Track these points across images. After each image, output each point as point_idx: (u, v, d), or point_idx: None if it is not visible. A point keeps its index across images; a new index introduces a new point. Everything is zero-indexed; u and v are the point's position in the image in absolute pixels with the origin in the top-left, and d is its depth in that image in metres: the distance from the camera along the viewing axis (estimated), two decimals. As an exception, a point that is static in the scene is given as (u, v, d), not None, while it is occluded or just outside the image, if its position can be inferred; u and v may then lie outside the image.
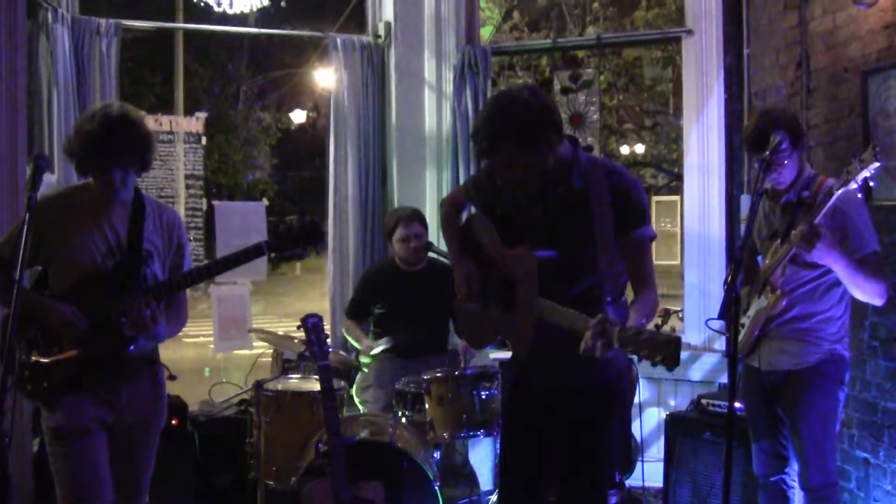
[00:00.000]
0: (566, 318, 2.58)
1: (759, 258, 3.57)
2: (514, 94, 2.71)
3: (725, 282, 2.85)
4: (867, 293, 3.28)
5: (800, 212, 3.24)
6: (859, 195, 3.19)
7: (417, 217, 4.78)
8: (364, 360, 4.73)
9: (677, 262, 21.83)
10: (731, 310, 2.84)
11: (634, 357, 3.01)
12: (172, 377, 3.55)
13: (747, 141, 3.48)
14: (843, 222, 3.25)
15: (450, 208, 3.24)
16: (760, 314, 3.39)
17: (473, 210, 3.24)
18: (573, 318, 2.55)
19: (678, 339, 2.25)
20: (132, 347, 2.98)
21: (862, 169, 3.03)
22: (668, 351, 2.23)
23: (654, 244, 2.80)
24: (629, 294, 2.77)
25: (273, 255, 3.07)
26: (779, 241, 3.35)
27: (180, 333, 3.32)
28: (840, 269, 3.21)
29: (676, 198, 23.45)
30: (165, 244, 3.14)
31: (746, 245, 3.39)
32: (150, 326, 2.92)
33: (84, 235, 2.99)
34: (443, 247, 5.19)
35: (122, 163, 2.96)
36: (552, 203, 2.81)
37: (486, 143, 2.72)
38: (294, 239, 3.01)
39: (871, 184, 3.12)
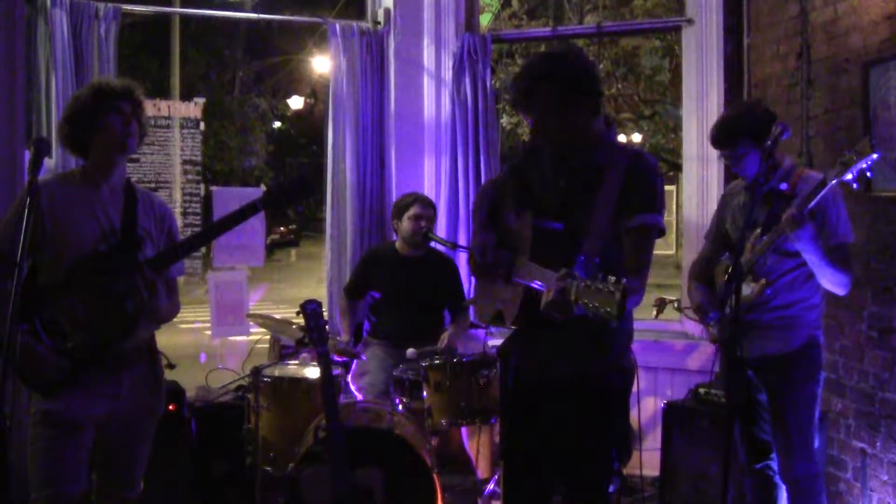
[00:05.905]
0: (536, 273, 2.60)
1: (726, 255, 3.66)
2: (565, 46, 2.76)
3: (727, 273, 2.87)
4: (833, 282, 3.36)
5: (781, 202, 3.29)
6: (854, 186, 3.19)
7: (432, 205, 5.00)
8: None
9: (672, 251, 21.89)
10: (727, 300, 2.87)
11: (632, 347, 3.02)
12: (171, 366, 3.54)
13: (711, 139, 3.52)
14: (823, 209, 3.29)
15: (487, 184, 3.30)
16: (745, 302, 3.41)
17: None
18: (543, 274, 2.54)
19: (624, 288, 2.16)
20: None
21: (858, 160, 3.04)
22: (611, 301, 2.16)
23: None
24: None
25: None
26: (758, 230, 3.38)
27: (176, 319, 3.31)
28: (812, 257, 3.28)
29: (672, 188, 23.47)
30: (157, 230, 3.10)
31: (716, 237, 3.69)
32: (153, 298, 2.86)
33: (76, 221, 2.92)
34: (440, 235, 5.22)
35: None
36: (572, 176, 2.80)
37: (526, 84, 2.68)
38: (286, 193, 3.03)
39: (868, 174, 3.13)
